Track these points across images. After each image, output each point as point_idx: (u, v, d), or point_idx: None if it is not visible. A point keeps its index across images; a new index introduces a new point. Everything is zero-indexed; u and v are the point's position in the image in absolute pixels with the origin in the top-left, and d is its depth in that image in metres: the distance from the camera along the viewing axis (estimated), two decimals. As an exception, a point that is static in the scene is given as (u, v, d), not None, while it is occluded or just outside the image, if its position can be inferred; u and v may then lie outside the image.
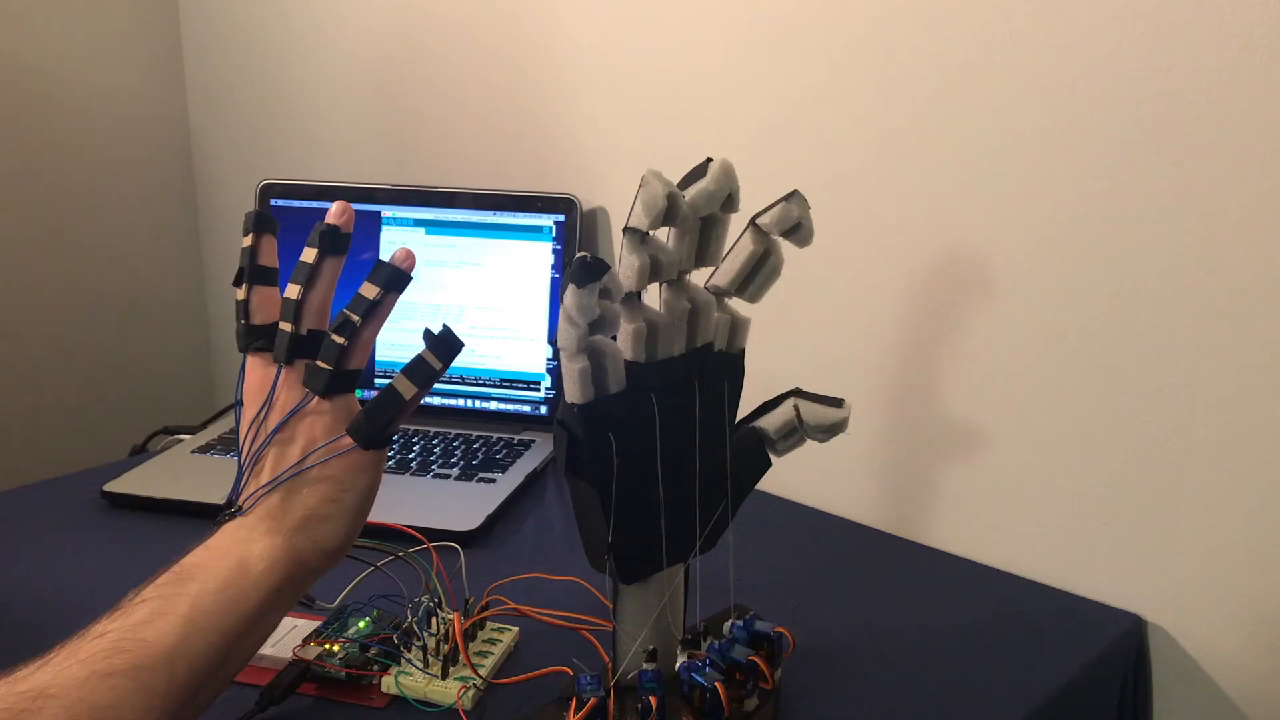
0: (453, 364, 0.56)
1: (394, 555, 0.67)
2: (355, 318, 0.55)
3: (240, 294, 0.58)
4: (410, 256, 0.56)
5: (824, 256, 0.69)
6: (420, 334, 0.56)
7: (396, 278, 0.56)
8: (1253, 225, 0.65)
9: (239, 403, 0.58)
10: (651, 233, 0.51)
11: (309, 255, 0.57)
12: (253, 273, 0.58)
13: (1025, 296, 0.76)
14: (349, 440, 0.56)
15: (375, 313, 0.56)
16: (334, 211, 0.57)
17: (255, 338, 0.58)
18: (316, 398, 0.56)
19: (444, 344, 0.55)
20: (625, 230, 0.51)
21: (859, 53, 0.82)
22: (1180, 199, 0.68)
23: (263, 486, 0.55)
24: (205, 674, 0.49)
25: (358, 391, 0.58)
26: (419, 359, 0.55)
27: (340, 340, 0.55)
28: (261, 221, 0.58)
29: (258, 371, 0.58)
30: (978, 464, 0.81)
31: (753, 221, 0.57)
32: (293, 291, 0.57)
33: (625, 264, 0.51)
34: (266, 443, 0.56)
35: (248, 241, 0.58)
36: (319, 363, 0.56)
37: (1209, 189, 0.66)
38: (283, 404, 0.56)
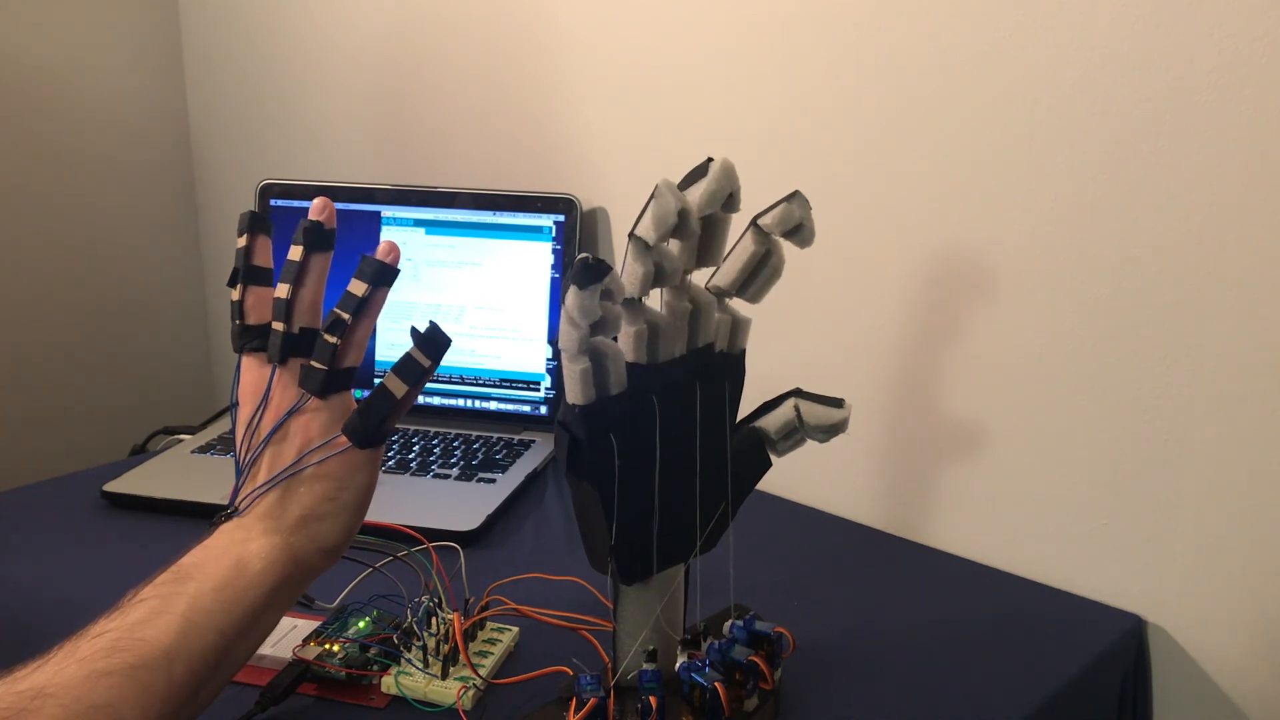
0: (443, 360, 0.56)
1: (394, 555, 0.67)
2: (346, 316, 0.55)
3: (235, 294, 0.58)
4: (395, 249, 0.57)
5: (823, 256, 0.69)
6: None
7: (383, 272, 0.56)
8: (1253, 225, 0.65)
9: (235, 403, 0.58)
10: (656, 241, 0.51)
11: (295, 253, 0.57)
12: (247, 273, 0.58)
13: (1025, 296, 0.76)
14: (345, 440, 0.56)
15: (366, 309, 0.56)
16: (315, 207, 0.57)
17: (250, 338, 0.58)
18: (312, 397, 0.56)
19: (431, 341, 0.56)
20: (631, 236, 0.51)
21: (858, 52, 0.82)
22: (1180, 199, 0.68)
23: (259, 486, 0.55)
24: (204, 673, 0.49)
25: (356, 391, 0.58)
26: (407, 357, 0.55)
27: (333, 339, 0.55)
28: (256, 222, 0.59)
29: (253, 371, 0.58)
30: (977, 464, 0.81)
31: (754, 222, 0.57)
32: (282, 291, 0.57)
33: (629, 271, 0.51)
34: (263, 444, 0.56)
35: (242, 242, 0.59)
36: (313, 362, 0.56)
37: (1210, 189, 0.66)
38: (278, 404, 0.56)
